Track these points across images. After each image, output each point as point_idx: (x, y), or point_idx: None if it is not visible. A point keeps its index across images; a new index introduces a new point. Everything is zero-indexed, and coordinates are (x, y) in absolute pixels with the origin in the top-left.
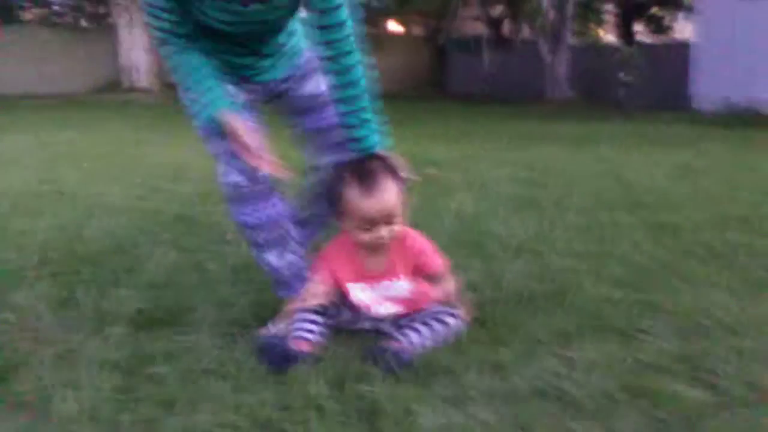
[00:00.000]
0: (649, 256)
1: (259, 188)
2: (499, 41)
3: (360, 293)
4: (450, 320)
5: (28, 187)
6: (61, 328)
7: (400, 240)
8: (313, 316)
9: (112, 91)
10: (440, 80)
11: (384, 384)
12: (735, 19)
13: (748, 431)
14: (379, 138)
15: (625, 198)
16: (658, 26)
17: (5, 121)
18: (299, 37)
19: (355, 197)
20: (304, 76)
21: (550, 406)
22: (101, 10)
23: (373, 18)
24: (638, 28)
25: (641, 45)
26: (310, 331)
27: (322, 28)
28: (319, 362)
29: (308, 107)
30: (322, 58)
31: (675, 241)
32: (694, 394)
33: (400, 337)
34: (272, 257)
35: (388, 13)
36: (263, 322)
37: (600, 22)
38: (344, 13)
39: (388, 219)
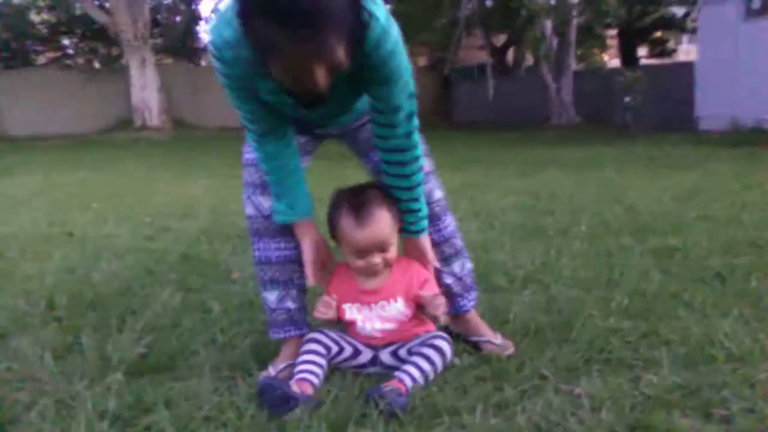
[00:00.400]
0: (657, 285)
1: (271, 225)
2: (503, 69)
3: (355, 312)
4: (444, 345)
5: (38, 229)
6: (63, 376)
7: (405, 267)
8: (315, 357)
9: (123, 130)
10: (445, 109)
11: (386, 427)
12: (738, 40)
13: None
14: (424, 225)
15: (632, 224)
16: (662, 49)
17: (17, 162)
18: None
19: (348, 227)
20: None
21: None
22: (114, 51)
23: None
24: (642, 51)
25: (645, 68)
26: (312, 373)
27: (379, 124)
28: (320, 406)
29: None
30: (377, 148)
31: (683, 268)
32: (706, 430)
33: (401, 376)
34: (271, 297)
35: None
36: (264, 366)
37: (603, 47)
38: (402, 114)
39: (381, 248)
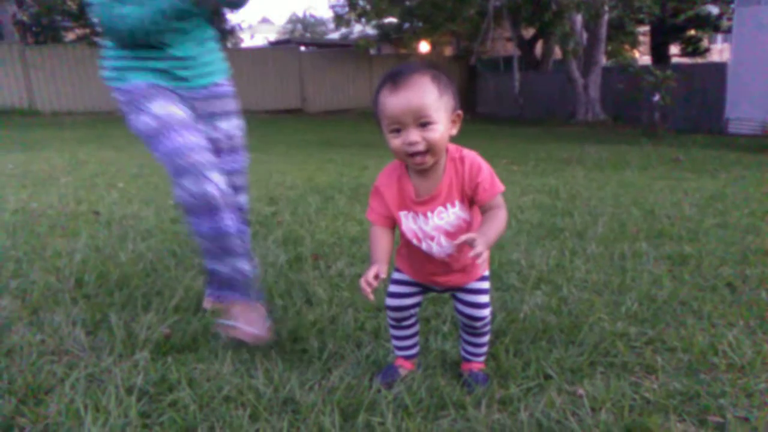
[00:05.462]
0: (668, 292)
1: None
2: (531, 62)
3: (411, 223)
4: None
5: (66, 207)
6: (93, 351)
7: (458, 160)
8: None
9: None
10: (469, 101)
11: (395, 415)
12: None
13: None
14: None
15: (649, 228)
16: (695, 48)
17: (44, 137)
18: (215, 52)
19: (384, 96)
20: (227, 113)
21: None
22: None
23: (405, 38)
24: (674, 50)
25: (676, 66)
26: (408, 347)
27: None
28: (333, 391)
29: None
30: None
31: (695, 276)
32: None
33: (473, 358)
34: (244, 265)
35: (420, 34)
36: (282, 349)
37: (634, 43)
38: None
39: (418, 120)
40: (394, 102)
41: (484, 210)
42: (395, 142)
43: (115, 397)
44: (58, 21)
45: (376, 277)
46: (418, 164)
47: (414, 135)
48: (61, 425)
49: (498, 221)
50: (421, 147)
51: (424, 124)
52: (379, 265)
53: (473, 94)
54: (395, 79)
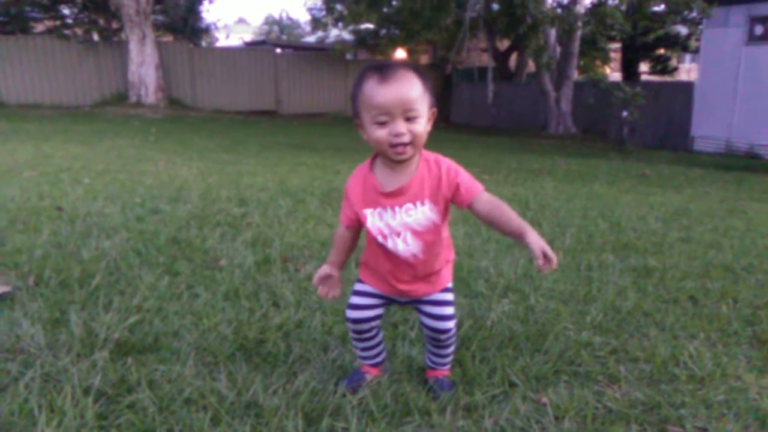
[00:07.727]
0: (632, 303)
1: None
2: (505, 74)
3: (377, 220)
4: (452, 326)
5: (28, 201)
6: (50, 350)
7: (432, 162)
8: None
9: (118, 105)
10: (443, 109)
11: (359, 421)
12: (739, 64)
13: None
14: None
15: (616, 241)
16: (664, 66)
17: (8, 130)
18: None
19: (370, 87)
20: None
21: None
22: (114, 25)
23: (381, 45)
24: (645, 67)
25: (645, 84)
26: (376, 355)
27: None
28: (297, 396)
29: None
30: None
31: (659, 288)
32: None
33: (438, 367)
34: None
35: (397, 41)
36: (246, 352)
37: (606, 60)
38: None
39: (406, 113)
40: (385, 93)
41: (479, 206)
42: (380, 133)
43: (71, 397)
44: (27, 12)
45: (326, 277)
46: (399, 154)
47: (401, 126)
48: (13, 426)
49: (505, 206)
50: (406, 138)
51: (410, 117)
52: (330, 267)
53: (448, 103)
54: (383, 71)
